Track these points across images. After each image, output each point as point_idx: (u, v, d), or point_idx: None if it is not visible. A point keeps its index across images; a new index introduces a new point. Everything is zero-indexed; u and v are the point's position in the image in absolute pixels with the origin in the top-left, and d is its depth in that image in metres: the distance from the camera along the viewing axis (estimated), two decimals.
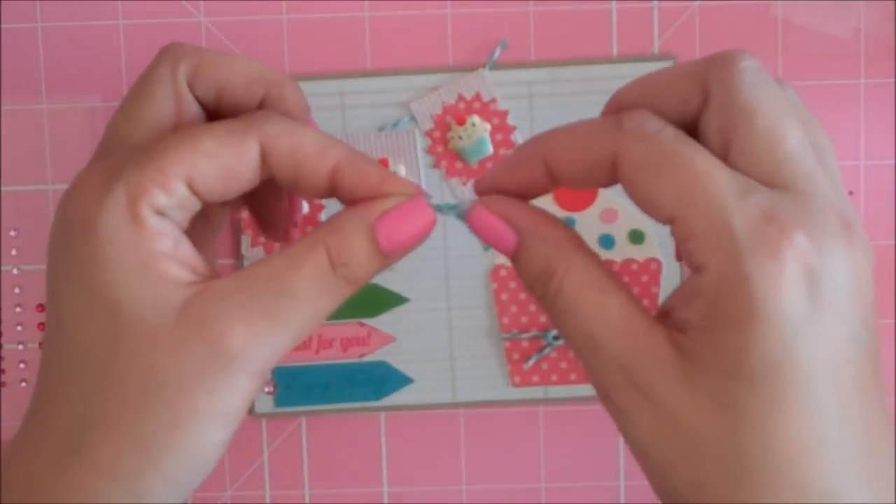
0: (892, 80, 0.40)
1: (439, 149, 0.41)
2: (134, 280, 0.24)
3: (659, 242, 0.41)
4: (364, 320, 0.42)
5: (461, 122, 0.41)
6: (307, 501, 0.43)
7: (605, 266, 0.25)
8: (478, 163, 0.41)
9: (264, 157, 0.25)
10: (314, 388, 0.42)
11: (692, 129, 0.25)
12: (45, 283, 0.26)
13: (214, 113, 0.28)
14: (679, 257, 0.28)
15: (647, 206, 0.24)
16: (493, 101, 0.41)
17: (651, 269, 0.41)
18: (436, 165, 0.41)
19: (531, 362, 0.42)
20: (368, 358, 0.42)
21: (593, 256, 0.25)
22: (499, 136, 0.41)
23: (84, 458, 0.24)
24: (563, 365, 0.42)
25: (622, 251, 0.41)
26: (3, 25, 0.41)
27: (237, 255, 0.41)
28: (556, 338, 0.42)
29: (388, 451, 0.43)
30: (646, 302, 0.41)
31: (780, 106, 0.23)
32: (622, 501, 0.43)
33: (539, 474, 0.43)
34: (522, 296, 0.42)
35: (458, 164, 0.41)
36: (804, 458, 0.22)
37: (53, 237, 0.25)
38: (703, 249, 0.22)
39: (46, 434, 0.25)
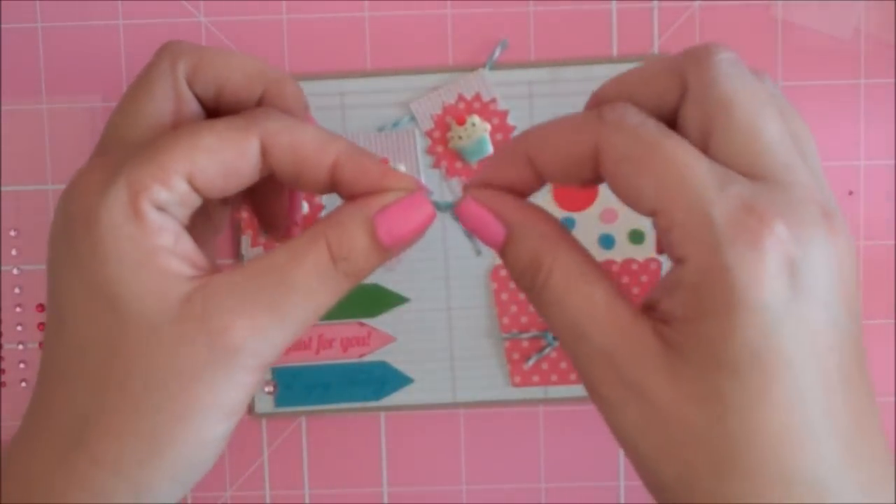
0: (892, 80, 0.40)
1: (439, 149, 0.41)
2: (135, 275, 0.24)
3: None
4: (364, 320, 0.42)
5: (461, 122, 0.41)
6: (307, 501, 0.43)
7: (592, 259, 0.25)
8: (478, 163, 0.41)
9: (265, 154, 0.26)
10: (314, 388, 0.42)
11: (671, 121, 0.25)
12: (45, 283, 0.26)
13: (214, 110, 0.28)
14: (660, 250, 0.28)
15: (629, 198, 0.24)
16: (493, 101, 0.41)
17: (651, 269, 0.41)
18: (436, 165, 0.41)
19: (531, 362, 0.42)
20: (368, 358, 0.42)
21: (580, 249, 0.25)
22: (499, 136, 0.41)
23: (86, 452, 0.24)
24: (563, 365, 0.42)
25: (622, 251, 0.41)
26: (3, 25, 0.41)
27: (237, 255, 0.41)
28: (556, 338, 0.42)
29: (388, 451, 0.43)
30: None
31: (758, 97, 0.23)
32: (622, 501, 0.43)
33: (539, 474, 0.43)
34: (522, 296, 0.42)
35: (458, 164, 0.41)
36: (788, 447, 0.22)
37: (54, 233, 0.25)
38: (683, 241, 0.22)
39: (48, 429, 0.25)
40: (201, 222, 0.29)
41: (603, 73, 0.40)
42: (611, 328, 0.23)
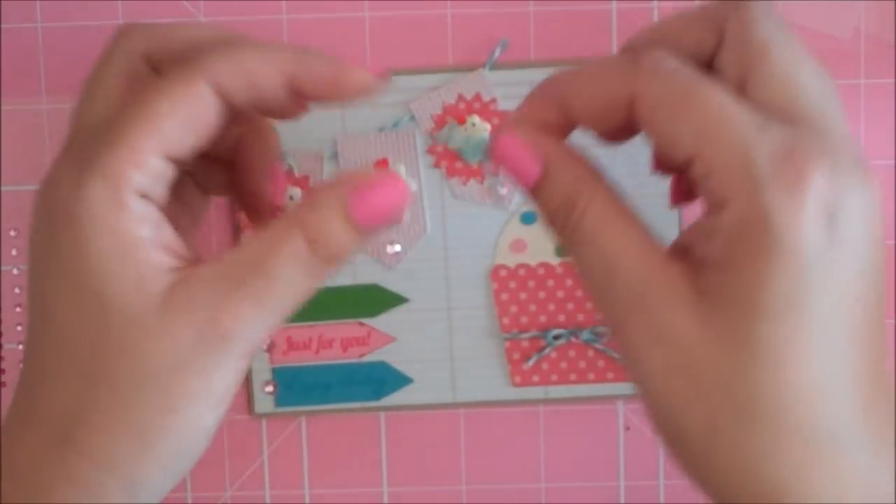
0: (892, 80, 0.40)
1: (439, 149, 0.41)
2: (118, 268, 0.24)
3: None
4: (364, 320, 0.42)
5: (461, 122, 0.41)
6: (307, 501, 0.43)
7: (626, 201, 0.25)
8: (478, 163, 0.41)
9: (219, 92, 0.25)
10: (314, 388, 0.42)
11: (707, 69, 0.25)
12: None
13: None
14: (676, 200, 0.28)
15: (666, 145, 0.23)
16: (493, 101, 0.41)
17: None
18: (436, 165, 0.41)
19: (531, 362, 0.42)
20: (368, 358, 0.42)
21: (615, 190, 0.25)
22: None
23: (76, 447, 0.24)
24: (563, 365, 0.42)
25: None
26: (3, 25, 0.41)
27: None
28: (556, 338, 0.42)
29: (388, 451, 0.43)
30: None
31: (794, 43, 0.24)
32: (622, 501, 0.43)
33: (539, 474, 0.43)
34: (522, 296, 0.42)
35: (458, 164, 0.41)
36: (812, 397, 0.22)
37: (34, 231, 0.25)
38: (723, 184, 0.22)
39: (37, 426, 0.25)
40: (181, 213, 0.28)
41: None
42: (644, 268, 0.23)
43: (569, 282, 0.41)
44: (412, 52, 0.41)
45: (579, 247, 0.24)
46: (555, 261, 0.42)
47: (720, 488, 0.23)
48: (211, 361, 0.24)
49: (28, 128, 0.41)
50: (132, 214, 0.24)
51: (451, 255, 0.42)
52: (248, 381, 0.42)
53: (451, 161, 0.41)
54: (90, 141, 0.25)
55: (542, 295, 0.42)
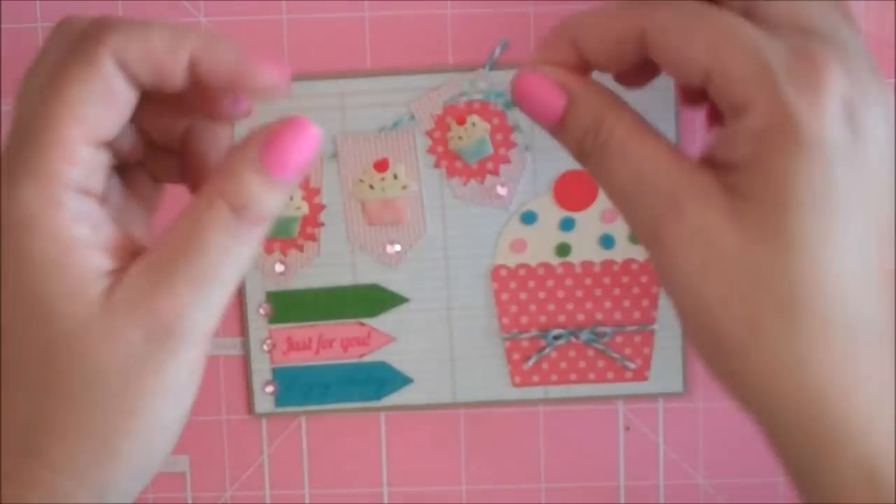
0: (893, 80, 0.40)
1: (439, 149, 0.41)
2: (56, 275, 0.23)
3: None
4: (364, 320, 0.42)
5: (461, 122, 0.41)
6: (307, 501, 0.43)
7: (650, 123, 0.25)
8: (477, 163, 0.41)
9: (123, 66, 0.24)
10: (314, 388, 0.42)
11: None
12: None
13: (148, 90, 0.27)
14: (684, 100, 0.28)
15: (679, 67, 0.24)
16: (493, 100, 0.41)
17: (651, 268, 0.41)
18: (436, 165, 0.41)
19: (531, 362, 0.42)
20: (368, 358, 0.42)
21: (640, 114, 0.25)
22: (499, 136, 0.41)
23: (40, 458, 0.24)
24: (563, 365, 0.42)
25: (622, 251, 0.41)
26: (3, 25, 0.41)
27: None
28: (556, 338, 0.42)
29: (388, 451, 0.43)
30: (646, 302, 0.41)
31: None
32: (622, 501, 0.43)
33: (539, 474, 0.43)
34: (522, 296, 0.42)
35: (459, 165, 0.41)
36: (849, 289, 0.22)
37: None
38: (742, 90, 0.22)
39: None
40: (132, 201, 0.28)
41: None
42: (675, 172, 0.24)
43: (569, 282, 0.41)
44: (412, 52, 0.41)
45: (608, 163, 0.25)
46: (555, 261, 0.42)
47: (758, 391, 0.23)
48: (163, 356, 0.24)
49: None
50: (68, 214, 0.23)
51: (451, 255, 0.42)
52: (248, 381, 0.42)
53: (451, 161, 0.41)
54: (13, 146, 0.24)
55: (542, 295, 0.42)
